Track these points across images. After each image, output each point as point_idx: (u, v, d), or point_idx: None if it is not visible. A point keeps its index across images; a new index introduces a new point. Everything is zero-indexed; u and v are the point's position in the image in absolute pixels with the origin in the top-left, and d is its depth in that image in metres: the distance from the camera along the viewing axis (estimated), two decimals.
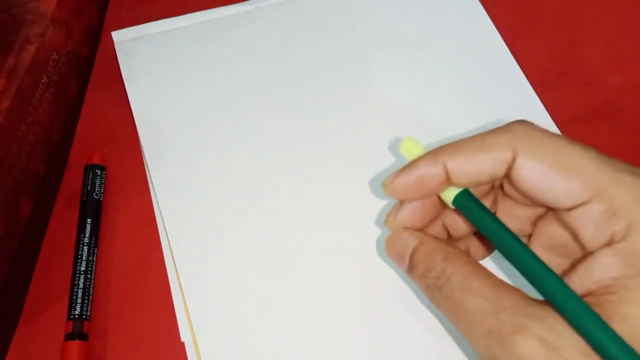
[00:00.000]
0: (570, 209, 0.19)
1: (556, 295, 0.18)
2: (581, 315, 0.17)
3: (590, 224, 0.18)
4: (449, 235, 0.24)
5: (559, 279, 0.18)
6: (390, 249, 0.23)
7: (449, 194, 0.21)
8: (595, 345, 0.17)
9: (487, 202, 0.23)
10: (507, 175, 0.20)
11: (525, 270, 0.19)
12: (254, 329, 0.27)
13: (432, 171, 0.21)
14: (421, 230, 0.23)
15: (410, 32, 0.36)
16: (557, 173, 0.18)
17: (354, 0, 0.38)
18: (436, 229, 0.24)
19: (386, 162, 0.31)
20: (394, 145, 0.32)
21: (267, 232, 0.29)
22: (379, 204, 0.30)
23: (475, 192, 0.22)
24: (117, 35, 0.36)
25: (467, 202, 0.21)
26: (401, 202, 0.23)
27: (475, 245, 0.25)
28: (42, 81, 0.31)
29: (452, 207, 0.21)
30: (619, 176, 0.18)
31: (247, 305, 0.27)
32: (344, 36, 0.36)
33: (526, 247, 0.19)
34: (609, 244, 0.18)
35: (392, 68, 0.35)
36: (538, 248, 0.22)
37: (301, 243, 0.29)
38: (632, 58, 0.36)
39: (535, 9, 0.38)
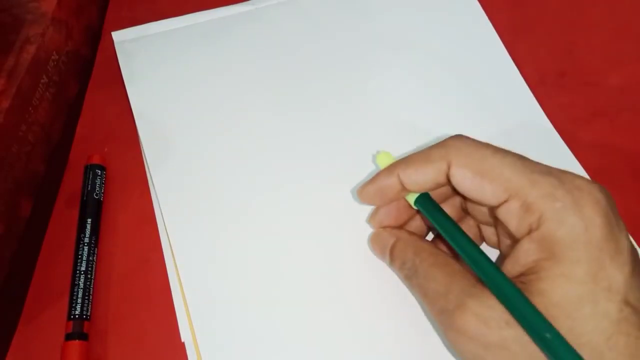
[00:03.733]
0: (497, 207, 0.22)
1: (488, 276, 0.22)
2: (506, 291, 0.21)
3: (513, 218, 0.22)
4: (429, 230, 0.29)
5: (492, 264, 0.22)
6: (373, 245, 0.28)
7: (411, 197, 0.25)
8: (515, 314, 0.20)
9: (456, 202, 0.27)
10: (449, 181, 0.24)
11: (468, 258, 0.23)
12: (255, 329, 0.27)
13: (389, 182, 0.25)
14: (401, 226, 0.27)
15: (408, 33, 0.36)
16: (482, 178, 0.22)
17: (354, 0, 0.38)
18: (415, 224, 0.28)
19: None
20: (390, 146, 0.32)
21: (267, 232, 0.29)
22: None
23: (442, 194, 0.26)
24: (118, 36, 0.36)
25: (425, 204, 0.25)
26: (377, 207, 0.27)
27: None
28: (42, 81, 0.31)
29: (415, 208, 0.26)
30: (531, 177, 0.21)
31: (247, 305, 0.27)
32: (343, 36, 0.36)
33: (469, 240, 0.23)
34: (528, 233, 0.21)
35: (391, 68, 0.35)
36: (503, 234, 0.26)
37: (302, 242, 0.29)
38: (631, 58, 0.36)
39: (533, 10, 0.38)
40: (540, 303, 0.20)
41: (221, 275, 0.28)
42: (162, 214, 0.30)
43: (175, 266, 0.29)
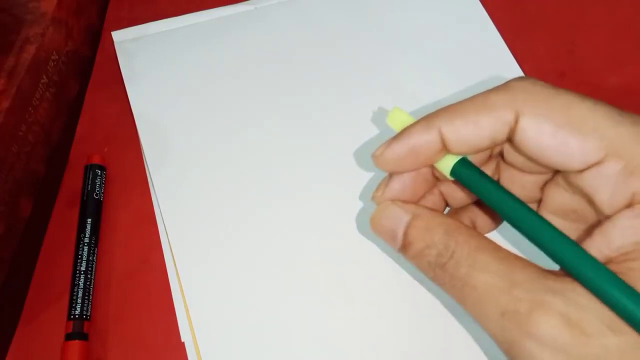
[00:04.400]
0: (583, 171, 0.17)
1: (575, 263, 0.16)
2: (605, 282, 0.15)
3: (606, 185, 0.17)
4: (447, 205, 0.23)
5: (577, 245, 0.16)
6: (377, 225, 0.20)
7: (446, 164, 0.19)
8: (623, 313, 0.15)
9: (487, 172, 0.21)
10: (510, 138, 0.18)
11: (537, 239, 0.17)
12: (254, 329, 0.27)
13: (426, 138, 0.19)
14: (414, 203, 0.21)
15: (409, 33, 0.36)
16: (568, 132, 0.17)
17: (354, 0, 0.38)
18: (433, 199, 0.22)
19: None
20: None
21: (267, 232, 0.29)
22: None
23: (473, 161, 0.20)
24: (118, 35, 0.36)
25: (466, 172, 0.19)
26: (390, 175, 0.21)
27: (480, 217, 0.23)
28: (42, 81, 0.31)
29: (450, 178, 0.20)
30: (636, 131, 0.17)
31: (247, 304, 0.27)
32: (343, 36, 0.36)
33: (536, 215, 0.17)
34: (628, 205, 0.16)
35: (392, 68, 0.35)
36: (548, 215, 0.20)
37: (302, 242, 0.29)
38: (631, 58, 0.36)
39: (535, 9, 0.38)
40: None
41: (221, 275, 0.28)
42: (162, 213, 0.30)
43: (175, 266, 0.29)
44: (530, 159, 0.18)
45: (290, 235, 0.29)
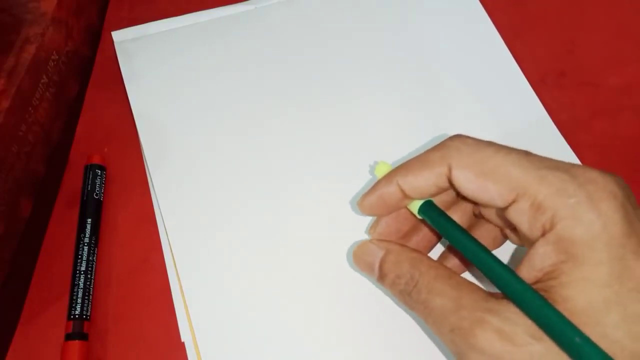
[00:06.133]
0: (506, 208, 0.21)
1: (508, 285, 0.20)
2: (530, 301, 0.19)
3: (524, 219, 0.20)
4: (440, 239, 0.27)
5: (511, 272, 0.20)
6: (358, 260, 0.25)
7: (414, 206, 0.24)
8: (543, 326, 0.18)
9: (467, 206, 0.26)
10: (451, 185, 0.22)
11: (483, 267, 0.21)
12: (254, 329, 0.27)
13: (389, 190, 0.23)
14: (404, 238, 0.26)
15: (410, 33, 0.36)
16: (486, 179, 0.21)
17: (353, 0, 0.38)
18: (423, 235, 0.26)
19: (386, 158, 0.31)
20: (391, 146, 0.32)
21: (267, 232, 0.29)
22: None
23: (448, 200, 0.25)
24: (118, 35, 0.36)
25: (429, 212, 0.23)
26: (378, 218, 0.26)
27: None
28: (42, 81, 0.31)
29: (419, 217, 0.24)
30: (539, 173, 0.20)
31: (247, 305, 0.27)
32: (343, 36, 0.36)
33: (482, 247, 0.21)
34: (542, 234, 0.20)
35: (391, 68, 0.35)
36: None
37: (302, 242, 0.29)
38: (631, 58, 0.36)
39: (535, 9, 0.38)
40: (565, 310, 0.18)
41: (221, 275, 0.28)
42: (161, 213, 0.30)
43: (175, 266, 0.29)
44: (465, 198, 0.23)
45: (290, 235, 0.29)
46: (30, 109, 0.30)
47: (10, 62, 0.29)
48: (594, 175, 0.20)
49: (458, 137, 0.23)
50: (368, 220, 0.29)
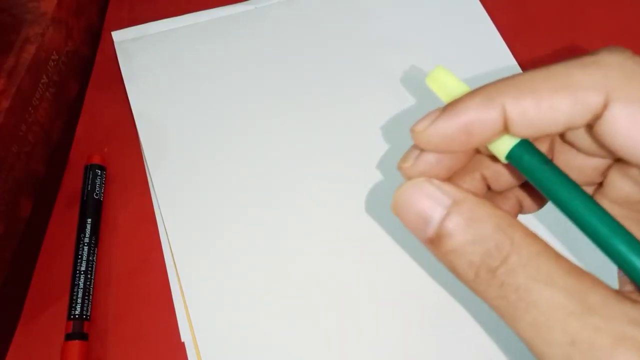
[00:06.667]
0: None
1: None
2: None
3: None
4: (488, 188, 0.19)
5: None
6: (404, 206, 0.16)
7: (502, 145, 0.16)
8: None
9: (540, 148, 0.17)
10: (590, 124, 0.15)
11: (609, 249, 0.14)
12: (255, 329, 0.27)
13: (486, 116, 0.15)
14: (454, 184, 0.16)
15: (410, 32, 0.36)
16: None
17: (353, 0, 0.38)
18: (473, 183, 0.19)
19: (385, 162, 0.31)
20: (390, 146, 0.32)
21: (267, 231, 0.29)
22: (379, 203, 0.30)
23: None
24: (118, 35, 0.36)
25: (527, 157, 0.16)
26: (422, 152, 0.17)
27: (525, 200, 0.19)
28: (42, 81, 0.31)
29: (505, 161, 0.16)
30: None
31: (247, 305, 0.27)
32: (343, 36, 0.36)
33: (615, 222, 0.14)
34: None
35: (392, 68, 0.35)
36: (608, 204, 0.17)
37: (302, 242, 0.29)
38: None
39: (535, 9, 0.38)
40: None
41: (221, 275, 0.28)
42: (161, 213, 0.30)
43: (175, 266, 0.29)
44: (609, 150, 0.15)
45: (291, 235, 0.29)
46: (30, 109, 0.30)
47: (10, 62, 0.29)
48: None
49: (620, 51, 0.16)
50: (371, 220, 0.29)
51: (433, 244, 0.16)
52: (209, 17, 0.37)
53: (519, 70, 0.35)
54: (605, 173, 0.17)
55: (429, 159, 0.17)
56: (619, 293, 0.14)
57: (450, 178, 0.18)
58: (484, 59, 0.35)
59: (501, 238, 0.14)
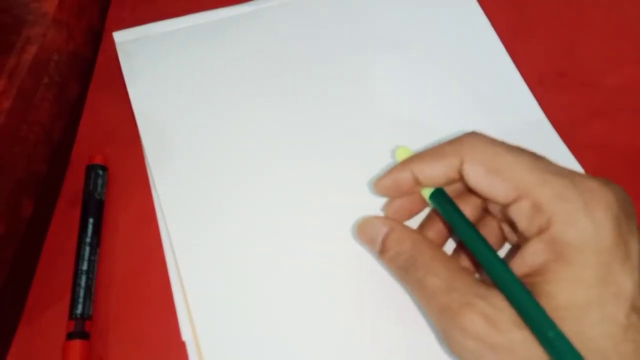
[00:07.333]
0: (508, 205, 0.22)
1: (499, 276, 0.21)
2: (516, 292, 0.20)
3: (523, 217, 0.22)
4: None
5: (504, 264, 0.21)
6: (362, 233, 0.27)
7: (426, 192, 0.25)
8: (524, 316, 0.20)
9: (477, 201, 0.27)
10: (461, 177, 0.24)
11: (478, 254, 0.22)
12: (256, 328, 0.27)
13: (403, 175, 0.25)
14: (420, 228, 0.27)
15: (408, 33, 0.36)
16: (494, 176, 0.22)
17: (355, 1, 0.38)
18: (437, 229, 0.27)
19: (385, 159, 0.31)
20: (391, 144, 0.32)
21: (269, 231, 0.29)
22: (378, 201, 0.30)
23: (458, 191, 0.26)
24: (119, 36, 0.37)
25: (439, 199, 0.25)
26: (391, 199, 0.27)
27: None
28: (44, 82, 0.31)
29: (429, 202, 0.26)
30: (544, 177, 0.21)
31: (248, 304, 0.27)
32: (344, 37, 0.36)
33: (480, 237, 0.23)
34: (537, 233, 0.21)
35: (391, 69, 0.35)
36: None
37: (304, 242, 0.29)
38: (630, 58, 0.36)
39: (533, 9, 0.38)
40: (547, 305, 0.20)
41: (222, 274, 0.28)
42: (163, 213, 0.30)
43: (177, 266, 0.29)
44: (474, 192, 0.24)
45: (292, 234, 0.29)
46: (31, 109, 0.30)
47: (12, 63, 0.29)
48: (594, 184, 0.21)
49: (474, 134, 0.24)
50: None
51: (379, 256, 0.26)
52: (210, 18, 0.37)
53: (515, 70, 0.35)
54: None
55: (396, 205, 0.27)
56: (479, 281, 0.22)
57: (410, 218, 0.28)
58: (481, 60, 0.36)
59: (413, 250, 0.24)
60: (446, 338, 0.22)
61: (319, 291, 0.28)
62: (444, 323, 0.22)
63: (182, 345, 0.27)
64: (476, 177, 0.23)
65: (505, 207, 0.23)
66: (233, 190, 0.31)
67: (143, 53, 0.36)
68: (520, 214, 0.22)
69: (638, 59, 0.36)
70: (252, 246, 0.29)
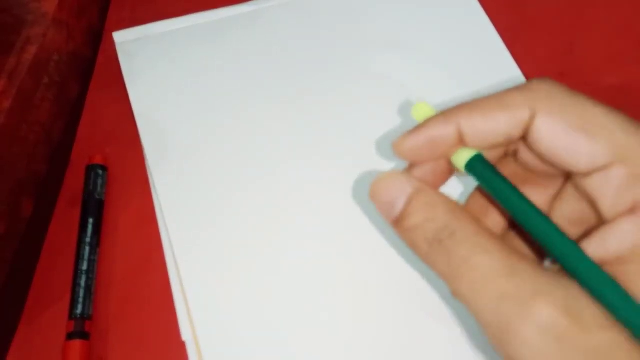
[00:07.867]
0: (589, 174, 0.18)
1: (575, 262, 0.16)
2: (603, 284, 0.16)
3: (610, 190, 0.17)
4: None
5: (578, 247, 0.17)
6: (377, 194, 0.20)
7: (461, 158, 0.19)
8: (618, 315, 0.16)
9: (514, 167, 0.22)
10: (524, 137, 0.19)
11: (542, 237, 0.17)
12: (256, 328, 0.27)
13: (445, 131, 0.19)
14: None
15: (409, 33, 0.36)
16: (579, 133, 0.17)
17: (355, 1, 0.38)
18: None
19: (383, 158, 0.31)
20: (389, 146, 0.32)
21: (269, 231, 0.29)
22: None
23: (488, 157, 0.20)
24: (119, 36, 0.37)
25: (479, 167, 0.19)
26: (411, 165, 0.21)
27: (493, 215, 0.23)
28: (44, 82, 0.31)
29: (464, 172, 0.20)
30: None
31: (248, 304, 0.27)
32: (344, 37, 0.36)
33: (542, 214, 0.18)
34: (630, 211, 0.17)
35: (391, 69, 0.35)
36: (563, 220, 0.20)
37: (304, 241, 0.29)
38: (630, 58, 0.36)
39: (534, 9, 0.38)
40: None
41: (222, 274, 0.28)
42: (163, 213, 0.30)
43: (177, 265, 0.29)
44: (540, 157, 0.19)
45: (292, 233, 0.29)
46: (31, 109, 0.30)
47: (12, 63, 0.29)
48: None
49: (547, 80, 0.19)
50: (370, 213, 0.29)
51: (397, 224, 0.19)
52: (210, 18, 0.37)
53: (517, 70, 0.35)
54: (551, 202, 0.21)
55: (414, 175, 0.21)
56: (540, 266, 0.17)
57: None
58: (483, 59, 0.35)
59: (450, 219, 0.18)
60: (504, 334, 0.16)
61: (319, 291, 0.28)
62: (504, 315, 0.16)
63: (182, 345, 0.27)
64: (553, 135, 0.17)
65: (578, 177, 0.18)
66: (233, 190, 0.31)
67: (143, 53, 0.36)
68: (608, 185, 0.17)
69: (638, 59, 0.36)
70: (251, 246, 0.29)
